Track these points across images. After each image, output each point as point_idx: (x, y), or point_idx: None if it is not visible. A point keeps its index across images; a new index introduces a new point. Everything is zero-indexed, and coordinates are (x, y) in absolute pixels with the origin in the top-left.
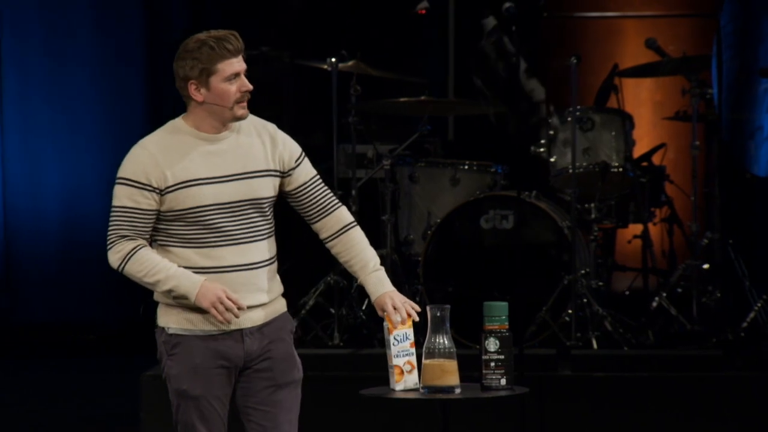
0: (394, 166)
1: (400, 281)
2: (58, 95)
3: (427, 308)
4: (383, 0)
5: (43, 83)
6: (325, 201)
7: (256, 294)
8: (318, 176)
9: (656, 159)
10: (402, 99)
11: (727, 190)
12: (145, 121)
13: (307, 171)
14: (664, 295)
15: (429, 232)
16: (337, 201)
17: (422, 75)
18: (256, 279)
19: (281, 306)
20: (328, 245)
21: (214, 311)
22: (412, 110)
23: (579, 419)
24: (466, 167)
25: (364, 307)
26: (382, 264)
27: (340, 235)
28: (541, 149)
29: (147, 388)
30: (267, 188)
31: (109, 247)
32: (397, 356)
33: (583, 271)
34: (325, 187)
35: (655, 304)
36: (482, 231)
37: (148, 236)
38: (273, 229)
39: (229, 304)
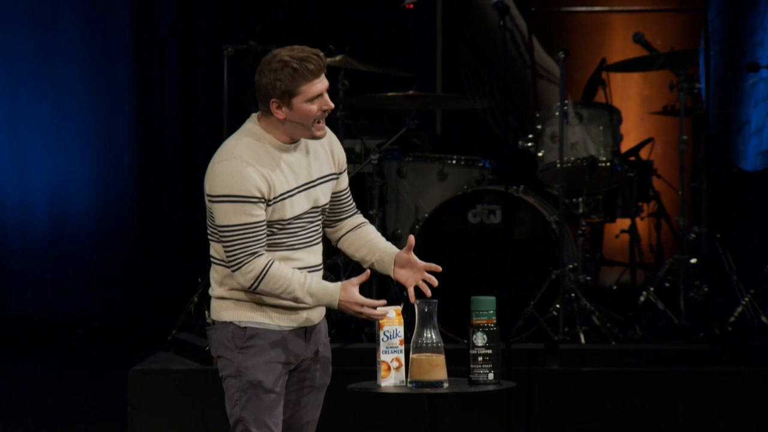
0: (381, 161)
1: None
2: (46, 89)
3: (415, 303)
4: None
5: (31, 77)
6: (351, 204)
7: None
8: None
9: (644, 153)
10: (390, 93)
11: (715, 185)
12: (132, 115)
13: (346, 175)
14: (652, 289)
15: (417, 226)
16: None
17: (410, 69)
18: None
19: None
20: (343, 238)
21: (363, 317)
22: (400, 105)
23: (566, 414)
24: (454, 162)
25: None
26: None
27: (357, 228)
28: (529, 144)
29: (135, 383)
30: (330, 192)
31: (236, 267)
32: (386, 352)
33: (570, 266)
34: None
35: (642, 298)
36: (470, 225)
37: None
38: None
39: (370, 311)
